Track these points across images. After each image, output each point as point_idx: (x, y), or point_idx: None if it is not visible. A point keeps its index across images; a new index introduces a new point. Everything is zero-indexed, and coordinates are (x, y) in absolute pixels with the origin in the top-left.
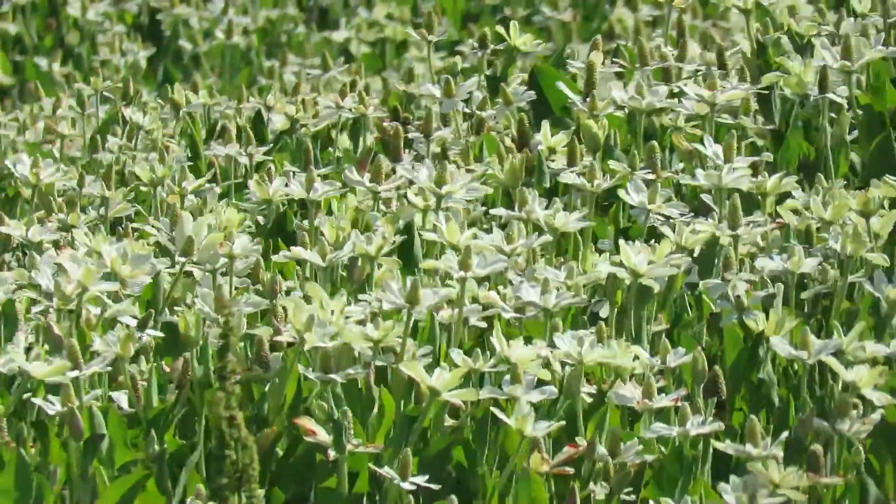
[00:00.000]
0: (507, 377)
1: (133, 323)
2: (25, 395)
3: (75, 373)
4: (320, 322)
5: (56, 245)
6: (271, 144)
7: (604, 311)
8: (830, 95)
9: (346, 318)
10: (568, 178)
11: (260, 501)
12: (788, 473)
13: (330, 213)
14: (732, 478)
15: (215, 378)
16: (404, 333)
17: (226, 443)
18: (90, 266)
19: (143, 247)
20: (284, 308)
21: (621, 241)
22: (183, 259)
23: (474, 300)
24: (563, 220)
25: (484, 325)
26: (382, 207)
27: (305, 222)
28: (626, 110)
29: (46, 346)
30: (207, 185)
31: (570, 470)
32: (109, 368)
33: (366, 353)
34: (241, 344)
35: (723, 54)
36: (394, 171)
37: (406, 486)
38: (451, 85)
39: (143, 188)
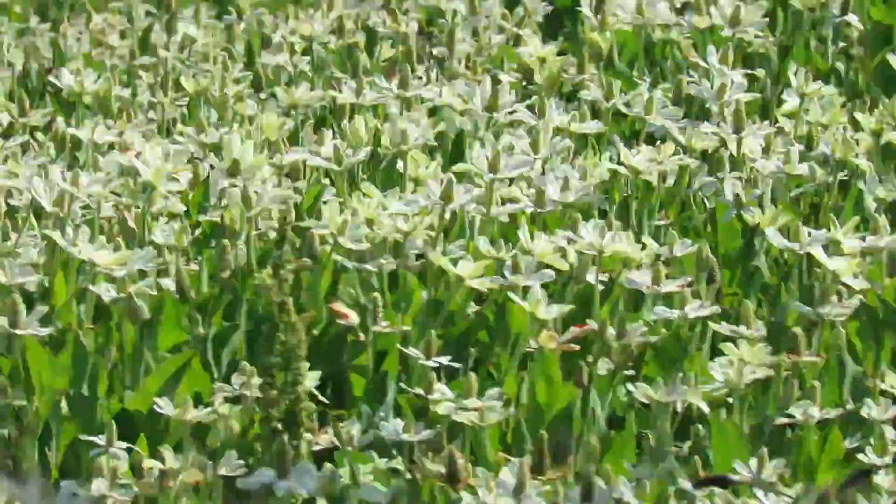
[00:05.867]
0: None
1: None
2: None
3: (139, 263)
4: (353, 225)
5: (116, 147)
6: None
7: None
8: (848, 17)
9: (385, 210)
10: (586, 94)
11: (304, 377)
12: (759, 351)
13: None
14: (719, 358)
15: (260, 267)
16: (438, 227)
17: (277, 325)
18: (159, 166)
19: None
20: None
21: (620, 144)
22: (228, 179)
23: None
24: (579, 126)
25: (507, 220)
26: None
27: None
28: (633, 25)
29: (117, 238)
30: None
31: (577, 347)
32: (165, 258)
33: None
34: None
35: None
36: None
37: (430, 363)
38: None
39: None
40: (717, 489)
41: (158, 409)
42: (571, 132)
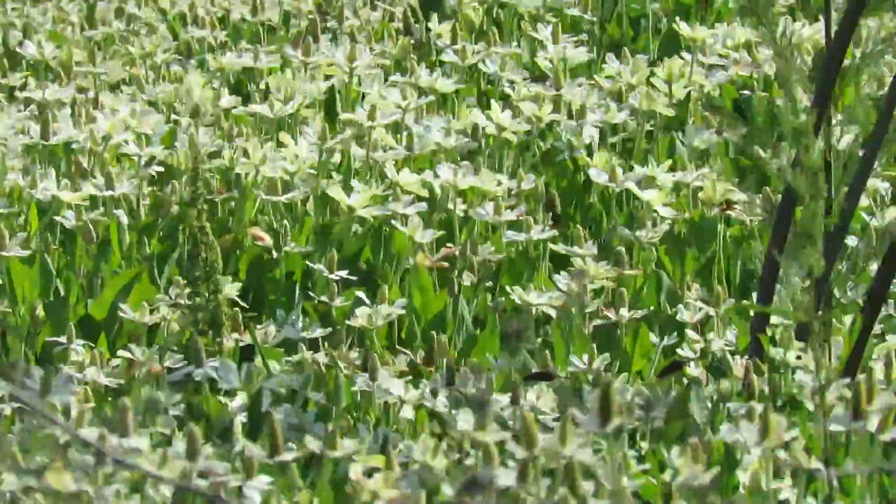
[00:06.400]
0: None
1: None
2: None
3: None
4: (272, 157)
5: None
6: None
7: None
8: None
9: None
10: (449, 56)
11: (221, 287)
12: (600, 267)
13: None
14: (563, 272)
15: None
16: (321, 167)
17: (198, 246)
18: (115, 119)
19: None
20: (245, 149)
21: (493, 102)
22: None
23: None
24: (442, 84)
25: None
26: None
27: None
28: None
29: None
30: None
31: (447, 264)
32: (122, 191)
33: (296, 182)
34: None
35: None
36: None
37: (332, 276)
38: None
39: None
40: None
41: (122, 314)
42: (435, 90)
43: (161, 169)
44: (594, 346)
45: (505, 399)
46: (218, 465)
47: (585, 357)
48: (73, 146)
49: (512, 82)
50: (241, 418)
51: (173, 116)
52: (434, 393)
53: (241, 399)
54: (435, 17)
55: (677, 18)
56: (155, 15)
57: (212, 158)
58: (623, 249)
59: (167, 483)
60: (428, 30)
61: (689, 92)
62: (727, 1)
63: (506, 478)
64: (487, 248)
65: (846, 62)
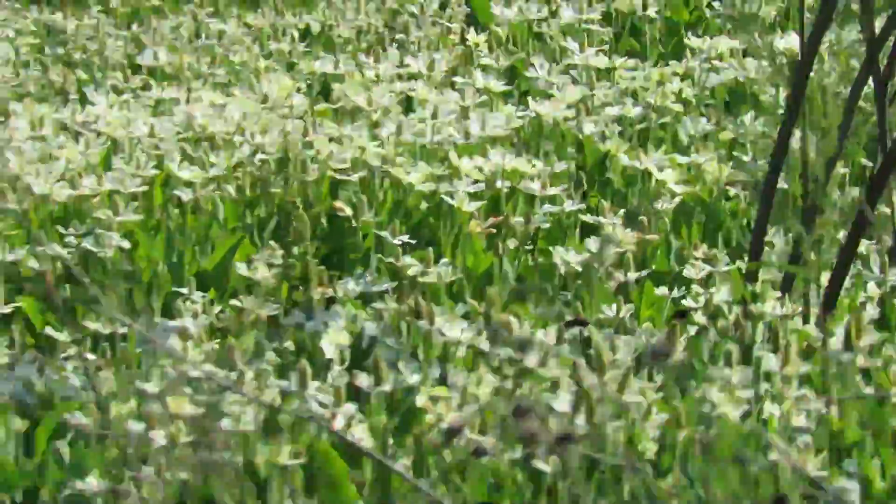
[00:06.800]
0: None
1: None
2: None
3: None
4: (340, 151)
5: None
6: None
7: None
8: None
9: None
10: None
11: (309, 250)
12: (626, 234)
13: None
14: (593, 237)
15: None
16: (393, 152)
17: (290, 216)
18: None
19: None
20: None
21: (530, 98)
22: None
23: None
24: (494, 85)
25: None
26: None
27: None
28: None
29: None
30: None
31: (494, 230)
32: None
33: (374, 164)
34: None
35: None
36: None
37: (396, 241)
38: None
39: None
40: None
41: (238, 270)
42: (489, 89)
43: (261, 155)
44: (621, 298)
45: (549, 338)
46: (314, 393)
47: (613, 307)
48: (185, 135)
49: (550, 83)
50: (337, 356)
51: (267, 110)
52: (483, 335)
53: (334, 341)
54: (472, 30)
55: (683, 29)
56: (241, 29)
57: (305, 148)
58: (644, 219)
59: (266, 406)
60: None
61: (689, 90)
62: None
63: (560, 403)
64: (528, 218)
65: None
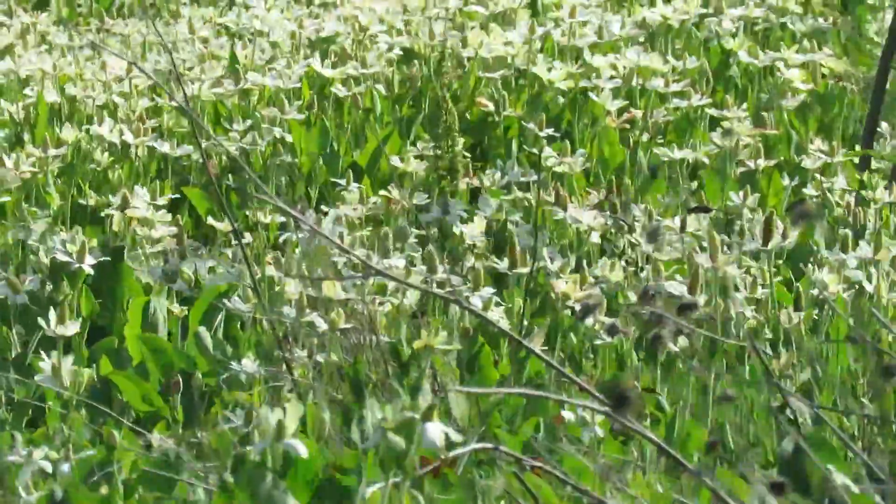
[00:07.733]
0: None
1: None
2: None
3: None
4: (487, 47)
5: None
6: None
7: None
8: None
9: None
10: None
11: (458, 141)
12: (750, 128)
13: None
14: (718, 130)
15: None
16: (530, 52)
17: (438, 110)
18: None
19: None
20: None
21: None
22: None
23: None
24: None
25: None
26: None
27: None
28: None
29: None
30: None
31: (629, 126)
32: (375, 70)
33: (513, 62)
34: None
35: None
36: None
37: (540, 133)
38: None
39: None
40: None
41: (391, 162)
42: None
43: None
44: (748, 186)
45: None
46: (454, 277)
47: (741, 193)
48: (338, 39)
49: None
50: (479, 241)
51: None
52: (615, 223)
53: (477, 226)
54: None
55: None
56: None
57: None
58: (765, 113)
59: (413, 288)
60: None
61: None
62: None
63: (677, 288)
64: (660, 112)
65: None
